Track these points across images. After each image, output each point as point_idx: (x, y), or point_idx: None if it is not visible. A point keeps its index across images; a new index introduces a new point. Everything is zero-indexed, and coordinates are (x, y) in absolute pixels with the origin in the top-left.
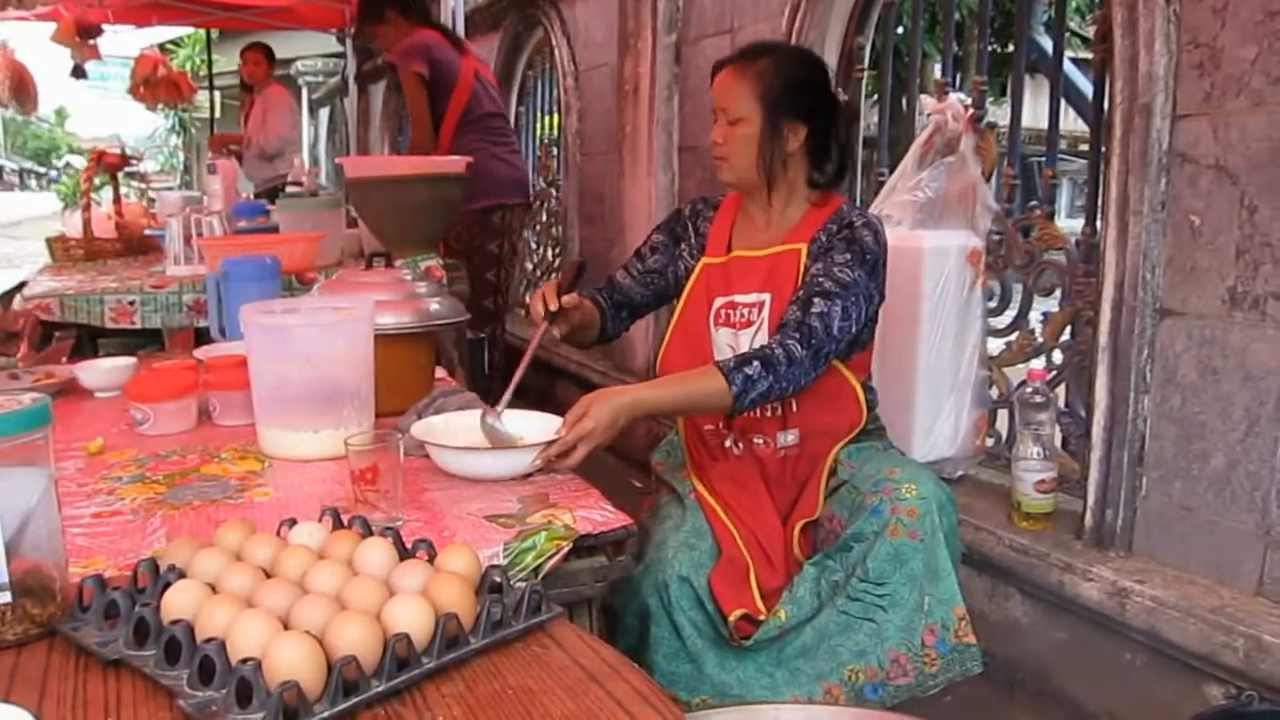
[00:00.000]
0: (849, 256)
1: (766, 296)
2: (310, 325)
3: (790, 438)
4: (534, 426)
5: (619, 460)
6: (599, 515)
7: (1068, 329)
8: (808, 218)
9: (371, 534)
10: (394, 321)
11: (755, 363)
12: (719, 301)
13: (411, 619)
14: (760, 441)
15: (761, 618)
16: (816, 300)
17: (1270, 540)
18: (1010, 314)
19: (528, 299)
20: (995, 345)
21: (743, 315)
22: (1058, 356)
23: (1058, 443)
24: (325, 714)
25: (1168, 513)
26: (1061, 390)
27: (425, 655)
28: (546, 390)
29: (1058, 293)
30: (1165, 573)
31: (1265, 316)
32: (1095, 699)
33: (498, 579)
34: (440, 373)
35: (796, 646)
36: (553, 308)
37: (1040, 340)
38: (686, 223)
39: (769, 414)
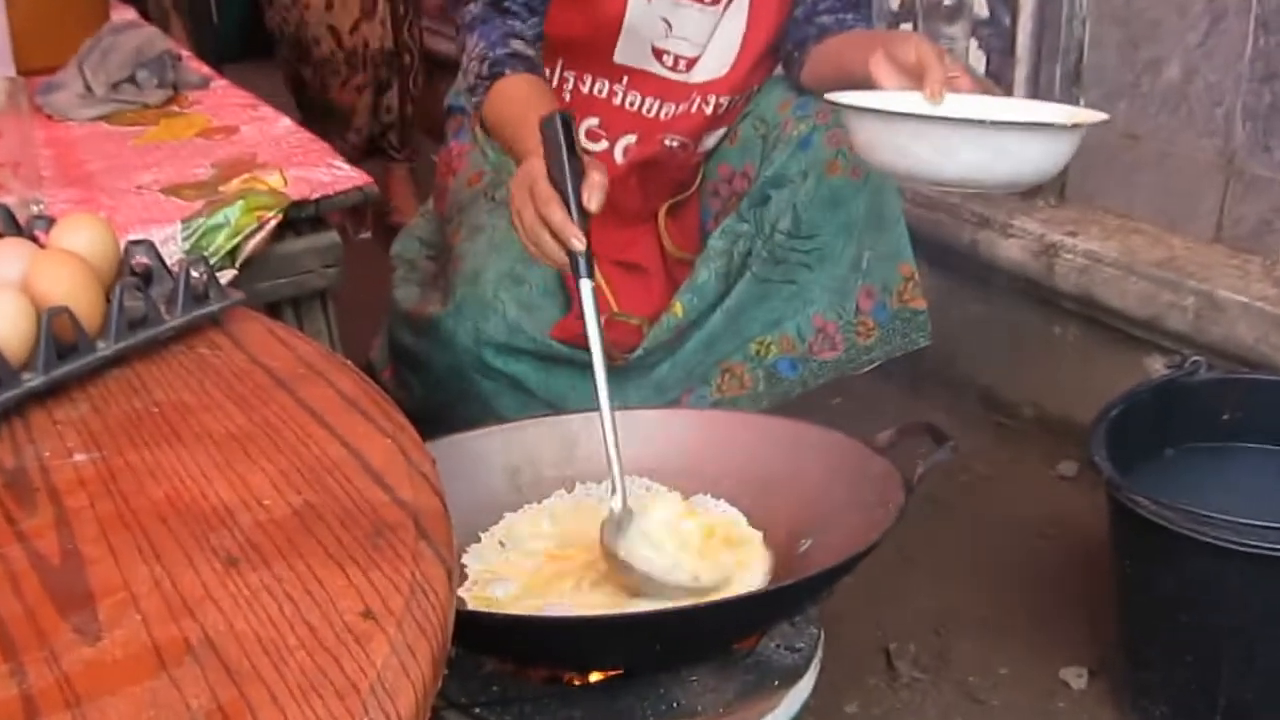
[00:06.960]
0: None
1: None
2: None
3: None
4: None
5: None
6: (325, 174)
7: None
8: None
9: None
10: None
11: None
12: None
13: None
14: (674, 144)
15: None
16: None
17: (1233, 170)
18: None
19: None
20: None
21: None
22: None
23: (980, 63)
24: None
25: (1109, 143)
26: None
27: (27, 371)
28: None
29: None
30: (1105, 221)
31: None
32: (1014, 386)
33: (143, 259)
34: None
35: (700, 339)
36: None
37: None
38: None
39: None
